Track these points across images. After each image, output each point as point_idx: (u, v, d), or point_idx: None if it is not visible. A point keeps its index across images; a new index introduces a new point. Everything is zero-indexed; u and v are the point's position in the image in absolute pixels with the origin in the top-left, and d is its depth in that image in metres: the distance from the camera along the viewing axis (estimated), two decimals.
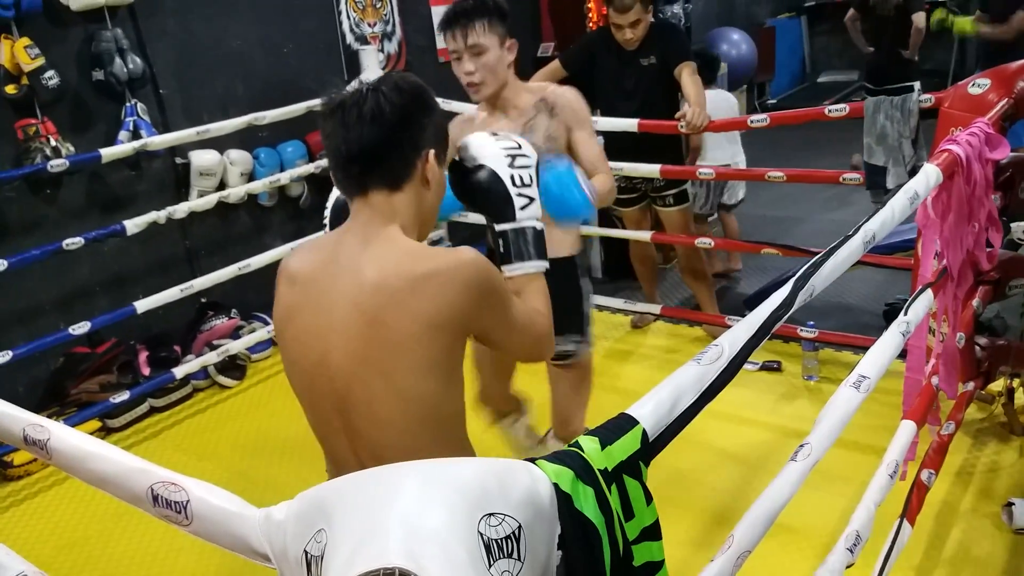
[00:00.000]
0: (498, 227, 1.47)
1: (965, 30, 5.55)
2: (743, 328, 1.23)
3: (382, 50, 5.07)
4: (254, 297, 4.38)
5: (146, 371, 3.78)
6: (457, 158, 1.51)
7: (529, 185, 1.48)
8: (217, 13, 4.26)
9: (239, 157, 4.23)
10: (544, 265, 1.49)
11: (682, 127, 3.33)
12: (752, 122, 3.31)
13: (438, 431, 1.32)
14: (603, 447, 0.95)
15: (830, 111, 3.19)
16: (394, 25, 5.16)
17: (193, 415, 3.79)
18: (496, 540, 0.76)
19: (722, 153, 4.30)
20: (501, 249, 1.48)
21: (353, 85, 1.38)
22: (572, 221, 1.90)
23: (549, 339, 1.47)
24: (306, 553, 0.77)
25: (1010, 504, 2.52)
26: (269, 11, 4.49)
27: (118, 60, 3.80)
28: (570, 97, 2.23)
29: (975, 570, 2.36)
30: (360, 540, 0.71)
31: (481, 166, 1.47)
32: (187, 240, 4.22)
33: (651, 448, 1.00)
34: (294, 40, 4.63)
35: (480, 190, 1.48)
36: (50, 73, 3.54)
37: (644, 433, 0.99)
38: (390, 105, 1.32)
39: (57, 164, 3.39)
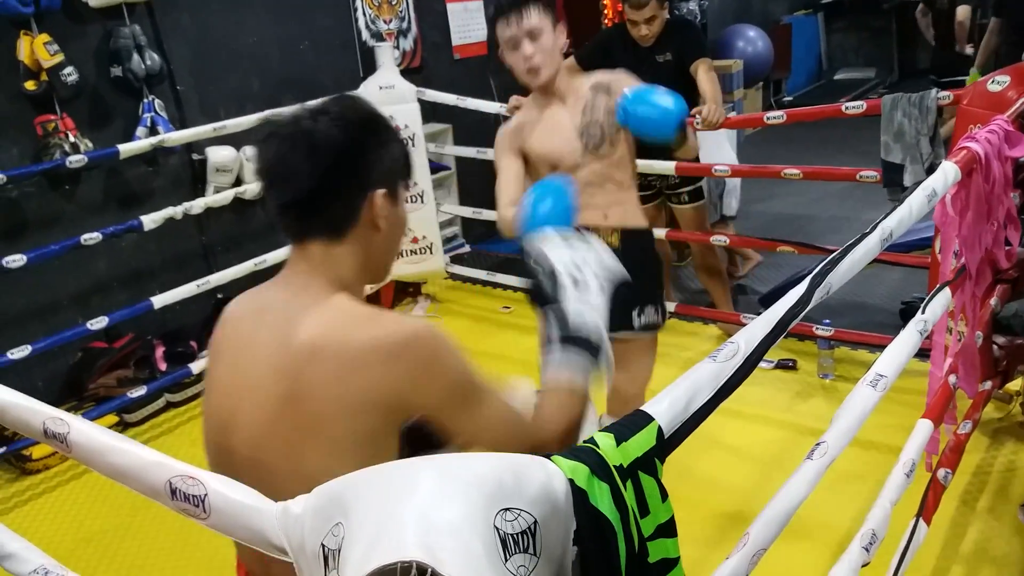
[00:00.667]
0: (546, 323, 1.28)
1: None
2: (759, 325, 1.23)
3: (397, 47, 5.08)
4: None
5: (163, 366, 3.81)
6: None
7: (586, 291, 1.30)
8: (232, 9, 4.29)
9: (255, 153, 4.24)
10: (576, 383, 1.22)
11: (698, 124, 3.31)
12: (769, 119, 3.29)
13: None
14: (618, 443, 0.95)
15: (847, 108, 3.17)
16: (409, 22, 5.17)
17: None
18: (512, 535, 0.76)
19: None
20: (547, 342, 1.26)
21: (292, 110, 1.20)
22: (672, 125, 2.11)
23: (549, 445, 1.13)
24: (323, 547, 0.77)
25: None
26: (285, 8, 4.51)
27: (136, 56, 3.83)
28: (623, 77, 2.34)
29: (992, 570, 2.34)
30: (377, 533, 0.71)
31: (549, 265, 1.33)
32: (203, 236, 4.25)
33: (667, 445, 0.99)
34: (310, 37, 4.65)
35: (537, 283, 1.34)
36: (69, 69, 3.57)
37: (660, 430, 0.99)
38: (329, 141, 1.15)
39: (75, 160, 3.41)
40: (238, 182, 4.21)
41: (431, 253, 4.55)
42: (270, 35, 4.46)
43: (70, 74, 3.59)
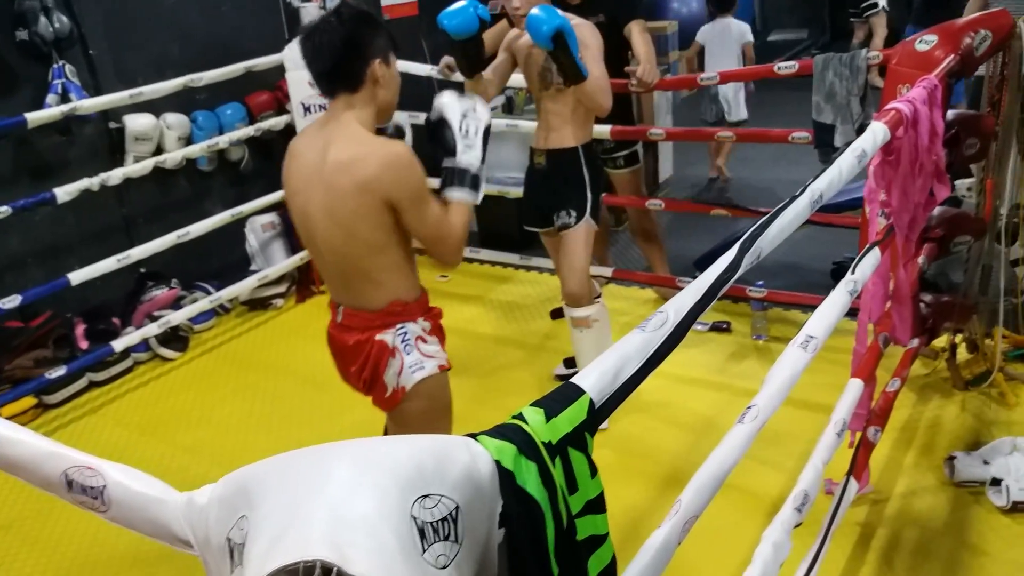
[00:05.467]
0: (444, 163, 1.94)
1: None
2: (689, 294, 1.20)
3: (324, 7, 4.90)
4: (196, 266, 4.26)
5: (84, 344, 3.66)
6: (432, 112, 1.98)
7: (474, 137, 1.94)
8: None
9: (176, 120, 4.07)
10: (472, 198, 1.95)
11: (633, 85, 3.27)
12: (702, 80, 3.27)
13: (379, 259, 1.90)
14: (548, 419, 0.91)
15: (780, 68, 3.17)
16: None
17: (135, 389, 3.68)
18: (431, 523, 0.72)
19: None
20: (443, 178, 1.94)
21: (318, 17, 1.92)
22: (541, 34, 2.54)
23: (454, 245, 1.92)
24: (229, 540, 0.72)
25: (952, 458, 2.56)
26: None
27: (43, 19, 3.62)
28: (584, 30, 2.78)
29: (919, 524, 2.40)
30: (282, 529, 0.66)
31: (441, 117, 1.95)
32: (124, 208, 4.07)
33: (596, 417, 0.96)
34: None
35: (436, 133, 1.96)
36: None
37: (591, 403, 0.95)
38: (340, 33, 1.87)
39: None
40: (158, 151, 4.04)
41: None
42: None
43: None
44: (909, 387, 2.95)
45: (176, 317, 3.84)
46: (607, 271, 3.91)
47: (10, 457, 0.97)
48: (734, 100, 5.37)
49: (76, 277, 3.50)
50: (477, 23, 2.66)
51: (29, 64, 3.67)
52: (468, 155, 1.93)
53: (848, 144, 1.85)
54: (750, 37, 5.46)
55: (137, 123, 3.93)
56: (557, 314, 3.75)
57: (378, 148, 1.84)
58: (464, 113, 1.95)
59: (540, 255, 4.19)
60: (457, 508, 0.74)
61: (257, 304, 4.38)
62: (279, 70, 4.30)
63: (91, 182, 3.57)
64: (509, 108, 4.93)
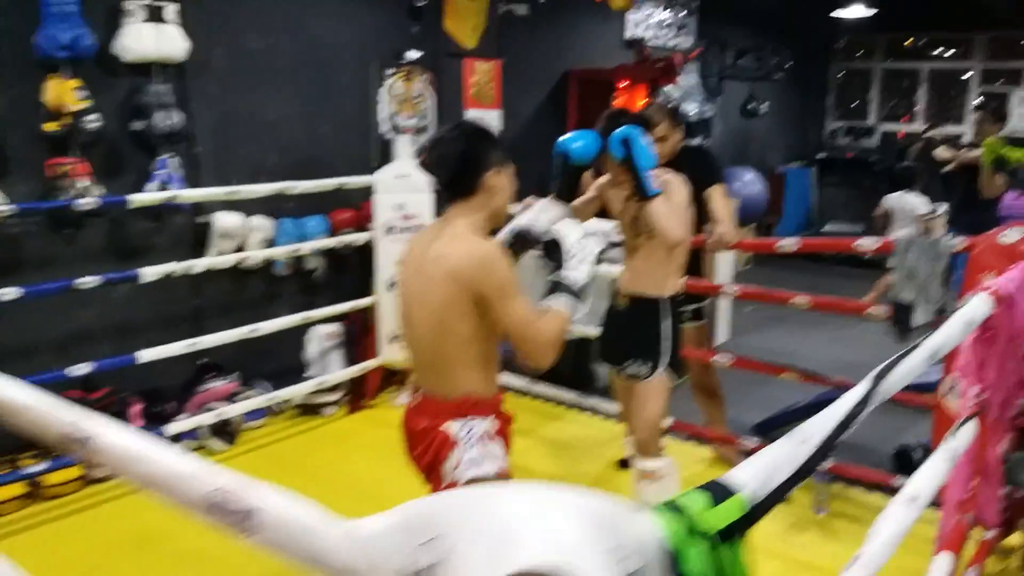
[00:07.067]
0: (550, 276, 2.12)
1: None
2: (826, 418, 1.19)
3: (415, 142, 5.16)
4: (257, 363, 4.30)
5: (139, 423, 3.65)
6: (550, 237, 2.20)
7: (583, 259, 2.11)
8: (260, 84, 4.36)
9: (262, 223, 4.23)
10: (569, 309, 2.07)
11: (711, 242, 3.35)
12: (781, 247, 3.34)
13: (462, 350, 2.00)
14: (708, 507, 0.88)
15: (859, 244, 3.23)
16: (429, 122, 5.28)
17: None
18: (626, 574, 0.69)
19: None
20: (547, 288, 2.10)
21: (439, 130, 2.23)
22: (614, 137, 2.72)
23: (541, 346, 1.99)
24: (414, 562, 0.69)
25: None
26: (312, 91, 4.60)
27: (161, 113, 3.85)
28: (673, 182, 2.90)
29: None
30: (498, 542, 0.64)
31: (555, 241, 2.16)
32: (197, 298, 4.17)
33: (749, 517, 0.93)
34: (331, 120, 4.72)
35: (548, 248, 2.17)
36: (93, 116, 3.58)
37: (745, 502, 0.93)
38: (458, 148, 2.06)
39: (85, 202, 3.37)
40: (239, 249, 4.17)
41: None
42: (294, 113, 4.53)
43: (93, 121, 3.59)
44: None
45: (230, 411, 3.84)
46: (665, 422, 3.85)
47: (150, 475, 0.96)
48: None
49: (143, 356, 3.54)
50: (596, 152, 2.78)
51: (138, 152, 3.88)
52: (575, 273, 2.08)
53: (929, 323, 1.86)
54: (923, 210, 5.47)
55: (226, 220, 4.09)
56: (624, 464, 3.69)
57: (472, 244, 2.00)
58: (578, 237, 2.14)
59: (597, 396, 4.18)
60: (642, 569, 0.72)
61: (309, 409, 4.38)
62: (365, 192, 4.49)
63: (175, 267, 3.68)
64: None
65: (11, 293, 3.12)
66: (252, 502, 0.86)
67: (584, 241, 2.13)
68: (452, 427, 2.00)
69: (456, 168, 2.05)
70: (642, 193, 2.78)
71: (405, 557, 0.71)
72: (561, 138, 2.83)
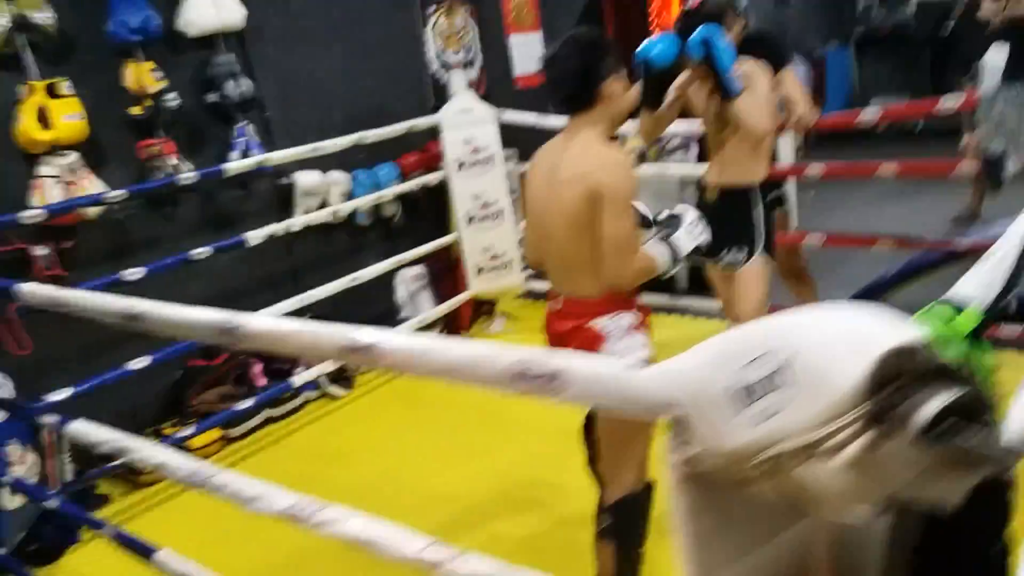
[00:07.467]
0: (660, 233, 2.23)
1: None
2: (1011, 235, 1.26)
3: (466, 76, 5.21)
4: (353, 312, 4.44)
5: (262, 382, 3.85)
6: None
7: (694, 236, 2.24)
8: (312, 44, 4.44)
9: (340, 177, 4.35)
10: (662, 259, 2.17)
11: (792, 126, 3.39)
12: (861, 119, 3.36)
13: (598, 251, 2.05)
14: (954, 316, 0.99)
15: (943, 104, 3.25)
16: (475, 54, 5.31)
17: (309, 423, 3.84)
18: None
19: None
20: (656, 232, 2.23)
21: (557, 43, 2.17)
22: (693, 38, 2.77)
23: (628, 266, 2.07)
24: (741, 379, 0.79)
25: None
26: (358, 46, 4.65)
27: (231, 83, 3.95)
28: (756, 71, 2.99)
29: None
30: (854, 336, 0.75)
31: (675, 216, 2.27)
32: (292, 257, 4.32)
33: (985, 324, 1.03)
34: (384, 69, 4.78)
35: (671, 217, 2.27)
36: (172, 95, 3.70)
37: (979, 311, 1.02)
38: (574, 60, 2.11)
39: (186, 176, 3.51)
40: (322, 205, 4.30)
41: (509, 269, 4.60)
42: (348, 67, 4.59)
43: (172, 99, 3.71)
44: None
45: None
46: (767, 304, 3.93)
47: (450, 363, 1.08)
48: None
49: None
50: (676, 54, 2.82)
51: (216, 123, 4.00)
52: (683, 240, 2.21)
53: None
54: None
55: (307, 179, 4.21)
56: None
57: (604, 152, 2.09)
58: (696, 220, 2.27)
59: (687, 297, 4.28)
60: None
61: None
62: (427, 133, 4.57)
63: (276, 227, 3.82)
64: (642, 159, 5.08)
65: (137, 273, 3.29)
66: (554, 365, 0.97)
67: (701, 226, 2.26)
68: (599, 322, 2.11)
69: (574, 84, 2.09)
70: (726, 93, 2.83)
71: (730, 376, 0.81)
72: (639, 47, 2.88)
